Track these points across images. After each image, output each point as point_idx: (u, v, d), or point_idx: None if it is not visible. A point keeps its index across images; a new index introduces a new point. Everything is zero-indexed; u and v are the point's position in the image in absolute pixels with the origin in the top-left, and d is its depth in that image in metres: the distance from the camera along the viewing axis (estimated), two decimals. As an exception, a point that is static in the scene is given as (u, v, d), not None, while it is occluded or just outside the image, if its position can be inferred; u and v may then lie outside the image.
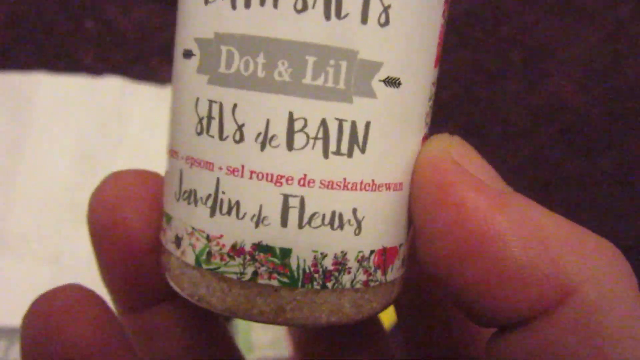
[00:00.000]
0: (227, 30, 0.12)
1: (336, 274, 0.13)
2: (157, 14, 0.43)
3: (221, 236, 0.12)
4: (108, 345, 0.14)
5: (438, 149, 0.13)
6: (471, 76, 0.46)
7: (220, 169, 0.12)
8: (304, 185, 0.12)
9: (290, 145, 0.12)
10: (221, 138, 0.12)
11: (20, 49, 0.43)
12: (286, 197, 0.12)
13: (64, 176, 0.39)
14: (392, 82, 0.12)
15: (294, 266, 0.12)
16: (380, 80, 0.12)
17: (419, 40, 0.13)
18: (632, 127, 0.46)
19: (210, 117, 0.12)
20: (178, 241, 0.13)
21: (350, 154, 0.12)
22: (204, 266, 0.13)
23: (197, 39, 0.13)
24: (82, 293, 0.14)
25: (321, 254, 0.12)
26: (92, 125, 0.40)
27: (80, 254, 0.36)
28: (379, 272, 0.13)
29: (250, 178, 0.12)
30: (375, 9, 0.12)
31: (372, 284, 0.13)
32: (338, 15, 0.12)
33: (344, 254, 0.12)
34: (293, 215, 0.12)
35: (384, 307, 0.14)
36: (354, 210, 0.12)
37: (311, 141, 0.12)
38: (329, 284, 0.12)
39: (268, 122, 0.12)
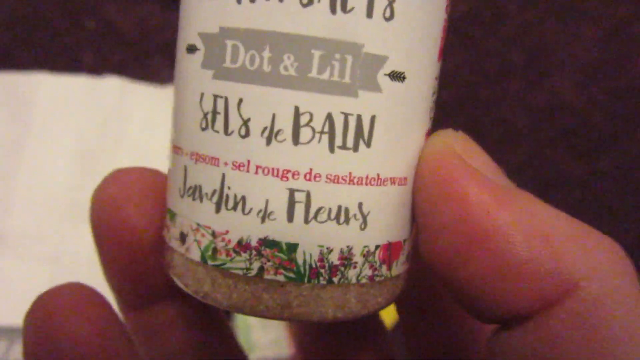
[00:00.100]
0: (232, 25, 0.12)
1: (342, 268, 0.12)
2: (157, 13, 0.43)
3: (227, 232, 0.12)
4: (109, 344, 0.14)
5: (442, 144, 0.13)
6: (471, 76, 0.46)
7: (226, 164, 0.12)
8: (310, 179, 0.12)
9: (296, 140, 0.12)
10: (226, 133, 0.12)
11: (21, 49, 0.43)
12: (292, 192, 0.12)
13: (64, 176, 0.39)
14: (397, 76, 0.12)
15: (300, 261, 0.12)
16: (385, 75, 0.12)
17: (423, 34, 0.13)
18: (632, 127, 0.46)
19: (215, 112, 0.12)
20: (183, 238, 0.13)
21: (355, 148, 0.12)
22: (210, 262, 0.13)
23: (202, 33, 0.13)
24: (83, 291, 0.14)
25: (327, 248, 0.12)
26: (92, 125, 0.40)
27: (81, 254, 0.36)
28: (384, 267, 0.13)
29: (256, 173, 0.12)
30: (380, 3, 0.12)
31: (377, 278, 0.13)
32: (344, 9, 0.12)
33: (349, 248, 0.12)
34: (299, 210, 0.12)
35: (389, 302, 0.14)
36: (360, 205, 0.12)
37: (317, 135, 0.12)
38: (335, 279, 0.12)
39: (274, 116, 0.12)
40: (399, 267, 0.14)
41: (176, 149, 0.14)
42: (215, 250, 0.13)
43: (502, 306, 0.12)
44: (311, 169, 0.12)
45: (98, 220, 0.15)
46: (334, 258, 0.12)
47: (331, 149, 0.12)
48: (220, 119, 0.12)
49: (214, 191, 0.12)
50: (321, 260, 0.12)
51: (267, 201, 0.12)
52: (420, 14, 0.12)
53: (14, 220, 0.37)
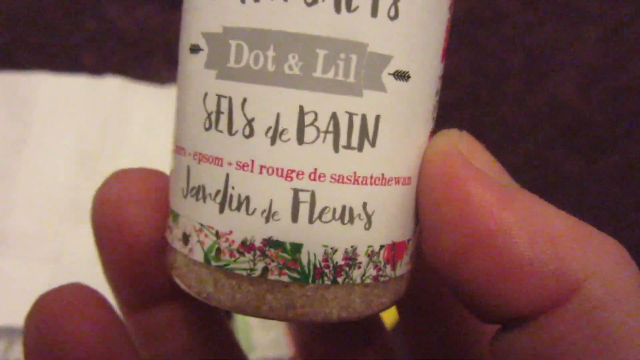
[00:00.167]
0: (236, 24, 0.12)
1: (347, 269, 0.12)
2: (158, 13, 0.43)
3: (231, 232, 0.12)
4: (110, 345, 0.13)
5: (446, 143, 0.13)
6: (471, 77, 0.46)
7: (230, 164, 0.12)
8: (314, 179, 0.12)
9: (300, 139, 0.12)
10: (230, 133, 0.12)
11: (21, 48, 0.43)
12: (296, 192, 0.12)
13: (64, 176, 0.38)
14: (401, 75, 0.12)
15: (304, 261, 0.12)
16: (389, 74, 0.12)
17: (427, 33, 0.13)
18: (632, 128, 0.46)
19: (219, 112, 0.12)
20: (186, 238, 0.13)
21: (360, 147, 0.12)
22: (213, 263, 0.13)
23: (205, 33, 0.13)
24: (84, 292, 0.14)
25: (332, 248, 0.12)
26: (92, 125, 0.40)
27: (81, 254, 0.35)
28: (388, 267, 0.13)
29: (260, 173, 0.12)
30: (385, 2, 0.12)
31: (381, 278, 0.13)
32: (348, 8, 0.11)
33: (354, 248, 0.12)
34: (303, 210, 0.12)
35: (393, 303, 0.14)
36: (364, 205, 0.12)
37: (322, 135, 0.12)
38: (340, 279, 0.12)
39: (278, 116, 0.12)
40: (403, 267, 0.14)
41: (179, 150, 0.14)
42: (218, 250, 0.13)
43: (504, 306, 0.12)
44: (316, 169, 0.12)
45: (99, 221, 0.15)
46: (339, 258, 0.12)
47: (336, 148, 0.12)
48: (224, 118, 0.12)
49: (218, 191, 0.12)
50: (325, 260, 0.12)
51: (271, 201, 0.12)
52: (424, 13, 0.12)
53: (14, 220, 0.37)
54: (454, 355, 0.17)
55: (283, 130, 0.12)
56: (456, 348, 0.17)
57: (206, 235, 0.13)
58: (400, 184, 0.13)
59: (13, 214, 0.37)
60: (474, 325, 0.17)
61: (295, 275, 0.12)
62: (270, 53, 0.12)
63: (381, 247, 0.13)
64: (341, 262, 0.12)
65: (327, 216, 0.12)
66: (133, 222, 0.15)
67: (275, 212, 0.12)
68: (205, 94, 0.13)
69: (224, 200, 0.12)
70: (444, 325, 0.18)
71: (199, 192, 0.13)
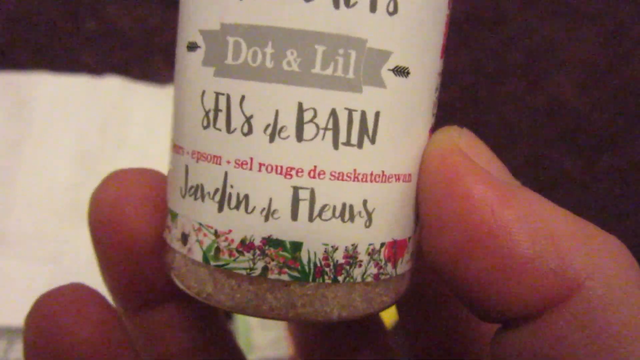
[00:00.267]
0: (234, 21, 0.12)
1: (347, 267, 0.12)
2: (158, 13, 0.43)
3: (230, 231, 0.12)
4: (111, 345, 0.13)
5: (447, 140, 0.13)
6: (471, 77, 0.46)
7: (228, 162, 0.12)
8: (314, 177, 0.12)
9: (300, 136, 0.12)
10: (229, 131, 0.12)
11: (21, 48, 0.43)
12: (296, 190, 0.12)
13: (64, 176, 0.38)
14: (401, 71, 0.12)
15: (304, 260, 0.12)
16: (389, 70, 0.12)
17: (426, 29, 0.12)
18: (633, 127, 0.46)
19: (217, 110, 0.12)
20: (184, 238, 0.13)
21: (360, 144, 0.12)
22: (212, 263, 0.12)
23: (202, 30, 0.12)
24: (85, 292, 0.14)
25: (332, 247, 0.12)
26: (92, 125, 0.40)
27: (80, 254, 0.35)
28: (389, 265, 0.13)
29: (260, 171, 0.12)
30: None
31: (382, 277, 0.13)
32: (347, 3, 0.11)
33: (354, 246, 0.12)
34: (303, 207, 0.12)
35: (394, 301, 0.14)
36: (365, 202, 0.12)
37: (321, 132, 0.12)
38: (340, 278, 0.12)
39: (277, 113, 0.12)
40: (404, 266, 0.13)
41: (177, 148, 0.14)
42: (218, 250, 0.12)
43: (505, 305, 0.11)
44: (315, 166, 0.12)
45: (97, 222, 0.15)
46: (339, 256, 0.12)
47: (335, 145, 0.12)
48: (222, 116, 0.12)
49: (217, 190, 0.12)
50: (326, 258, 0.12)
51: (270, 199, 0.12)
52: (423, 8, 0.12)
53: (14, 220, 0.37)
54: (454, 354, 0.17)
55: (282, 128, 0.12)
56: (456, 347, 0.17)
57: (205, 235, 0.13)
58: (400, 181, 0.13)
59: (13, 214, 0.37)
60: (474, 324, 0.17)
61: (296, 274, 0.12)
62: (269, 49, 0.12)
63: (382, 245, 0.13)
64: (342, 261, 0.12)
65: (327, 214, 0.12)
66: (130, 222, 0.15)
67: (274, 211, 0.12)
68: (203, 92, 0.12)
69: (223, 199, 0.12)
70: (444, 324, 0.17)
71: (197, 191, 0.13)
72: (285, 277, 0.12)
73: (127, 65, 0.43)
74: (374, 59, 0.12)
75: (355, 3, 0.11)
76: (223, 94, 0.12)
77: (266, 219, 0.12)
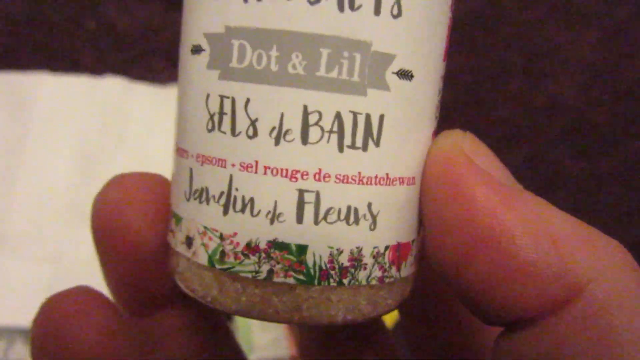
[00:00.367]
0: (239, 24, 0.12)
1: (352, 270, 0.12)
2: (158, 14, 0.43)
3: (235, 234, 0.12)
4: (116, 349, 0.13)
5: (450, 144, 0.13)
6: (472, 77, 0.46)
7: (233, 165, 0.12)
8: (319, 180, 0.12)
9: (305, 139, 0.12)
10: (234, 134, 0.12)
11: (21, 49, 0.43)
12: (301, 193, 0.12)
13: (64, 176, 0.38)
14: (405, 74, 0.12)
15: (310, 263, 0.12)
16: (393, 73, 0.12)
17: (430, 32, 0.12)
18: (633, 127, 0.46)
19: (222, 113, 0.12)
20: (189, 242, 0.13)
21: (365, 147, 0.12)
22: (218, 266, 0.12)
23: (207, 33, 0.12)
24: (91, 295, 0.14)
25: (337, 250, 0.12)
26: (92, 125, 0.40)
27: (81, 254, 0.35)
28: (393, 268, 0.13)
29: (265, 174, 0.12)
30: (387, 1, 0.12)
31: (387, 280, 0.13)
32: (351, 6, 0.11)
33: (359, 249, 0.12)
34: (309, 210, 0.12)
35: (399, 304, 0.14)
36: (369, 205, 0.12)
37: (326, 135, 0.12)
38: (345, 281, 0.12)
39: (282, 116, 0.12)
40: (407, 268, 0.14)
41: (181, 152, 0.13)
42: (223, 253, 0.12)
43: (508, 308, 0.12)
44: (320, 169, 0.12)
45: (100, 227, 0.15)
46: (344, 259, 0.12)
47: (340, 148, 0.12)
48: (227, 119, 0.12)
49: (222, 193, 0.12)
50: (331, 261, 0.12)
51: (276, 202, 0.12)
52: (427, 11, 0.12)
53: (14, 220, 0.37)
54: (457, 356, 0.17)
55: (287, 131, 0.12)
56: (459, 349, 0.17)
57: (210, 238, 0.13)
58: (404, 184, 0.13)
59: (13, 214, 0.37)
60: (477, 326, 0.17)
61: (301, 277, 0.12)
62: (274, 53, 0.12)
63: (386, 248, 0.13)
64: (347, 264, 0.12)
65: (333, 217, 0.12)
66: (133, 226, 0.15)
67: (280, 214, 0.12)
68: (208, 95, 0.12)
69: (228, 202, 0.12)
70: (446, 326, 0.17)
71: (202, 195, 0.13)
72: (290, 280, 0.12)
73: (127, 65, 0.43)
74: (378, 62, 0.12)
75: (360, 6, 0.11)
76: (228, 97, 0.12)
77: (271, 222, 0.12)
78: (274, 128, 0.12)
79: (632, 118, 0.46)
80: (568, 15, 0.46)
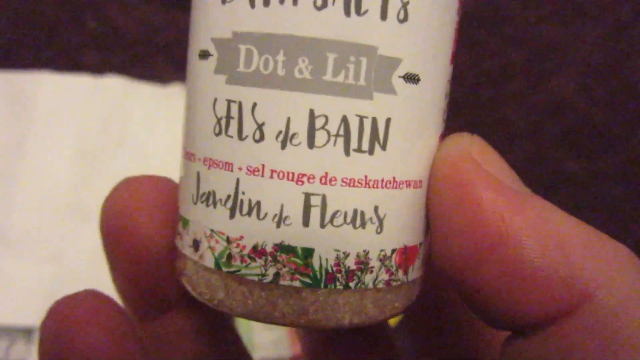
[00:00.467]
0: (246, 29, 0.12)
1: (359, 273, 0.12)
2: (159, 13, 0.43)
3: (241, 237, 0.12)
4: (125, 353, 0.13)
5: (458, 147, 0.13)
6: (473, 76, 0.46)
7: (240, 169, 0.12)
8: (325, 183, 0.12)
9: (311, 143, 0.12)
10: (240, 138, 0.12)
11: (22, 48, 0.43)
12: (308, 196, 0.12)
13: (65, 175, 0.38)
14: (411, 78, 0.12)
15: (316, 266, 0.12)
16: (399, 77, 0.12)
17: (436, 36, 0.12)
18: (634, 127, 0.46)
19: (229, 117, 0.12)
20: (196, 245, 0.13)
21: (371, 151, 0.12)
22: (224, 269, 0.13)
23: (214, 39, 0.12)
24: (99, 300, 0.14)
25: (344, 253, 0.12)
26: (93, 125, 0.40)
27: (82, 253, 0.35)
28: (400, 272, 0.13)
29: (271, 177, 0.12)
30: (394, 5, 0.12)
31: (394, 283, 0.13)
32: (358, 11, 0.11)
33: (366, 252, 0.12)
34: (315, 214, 0.12)
35: (406, 308, 0.14)
36: (376, 208, 0.12)
37: (332, 138, 0.12)
38: (352, 284, 0.12)
39: (289, 120, 0.12)
40: (415, 272, 0.14)
41: (188, 155, 0.14)
42: (229, 256, 0.12)
43: (514, 313, 0.11)
44: (327, 173, 0.12)
45: (108, 230, 0.15)
46: (351, 262, 0.12)
47: (346, 152, 0.12)
48: (234, 123, 0.12)
49: (228, 197, 0.12)
50: (337, 265, 0.12)
51: (282, 206, 0.12)
52: (433, 15, 0.12)
53: (15, 219, 0.37)
54: (462, 359, 0.17)
55: (294, 134, 0.12)
56: (465, 353, 0.17)
57: (217, 241, 0.13)
58: (411, 187, 0.13)
59: (13, 213, 0.37)
60: (484, 330, 0.17)
61: (307, 280, 0.12)
62: (280, 57, 0.12)
63: (393, 251, 0.13)
64: (353, 267, 0.12)
65: (339, 220, 0.12)
66: (142, 229, 0.15)
67: (286, 217, 0.12)
68: (215, 100, 0.12)
69: (235, 206, 0.12)
70: (452, 329, 0.17)
71: (209, 198, 0.13)
72: (297, 284, 0.12)
73: (128, 65, 0.43)
74: (384, 66, 0.12)
75: (366, 11, 0.11)
76: (235, 102, 0.12)
77: (278, 225, 0.12)
78: (280, 132, 0.12)
79: (633, 118, 0.46)
80: (569, 14, 0.46)
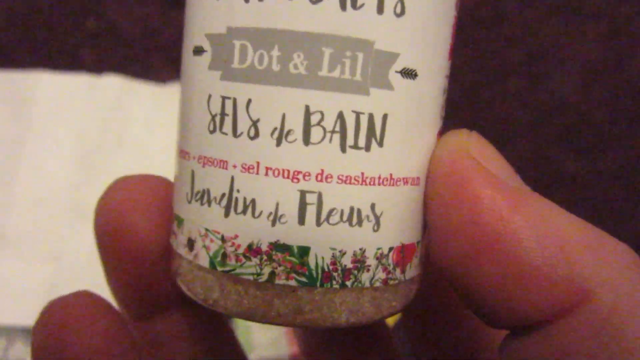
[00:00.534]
0: (240, 24, 0.12)
1: (355, 272, 0.12)
2: (158, 12, 0.43)
3: (236, 236, 0.12)
4: (118, 354, 0.13)
5: (456, 144, 0.13)
6: (472, 75, 0.46)
7: (235, 166, 0.12)
8: (321, 180, 0.12)
9: (306, 140, 0.12)
10: (235, 135, 0.12)
11: (21, 47, 0.43)
12: (303, 194, 0.12)
13: (64, 174, 0.38)
14: (408, 73, 0.12)
15: (312, 265, 0.12)
16: (396, 72, 0.12)
17: (434, 31, 0.12)
18: (634, 126, 0.46)
19: (223, 114, 0.12)
20: (191, 244, 0.13)
21: (367, 147, 0.12)
22: (219, 268, 0.12)
23: (209, 34, 0.12)
24: (93, 301, 0.14)
25: (340, 251, 0.12)
26: (92, 124, 0.40)
27: (81, 253, 0.35)
28: (397, 270, 0.13)
29: (266, 175, 0.12)
30: None
31: (391, 282, 0.13)
32: (354, 5, 0.11)
33: (362, 251, 0.12)
34: (311, 212, 0.12)
35: (404, 307, 0.14)
36: (372, 206, 0.12)
37: (328, 135, 0.12)
38: (348, 283, 0.12)
39: (284, 116, 0.11)
40: (412, 270, 0.13)
41: (183, 153, 0.13)
42: (224, 255, 0.12)
43: (513, 313, 0.11)
44: (322, 170, 0.12)
45: (103, 229, 0.15)
46: (347, 261, 0.12)
47: (343, 148, 0.12)
48: (228, 120, 0.12)
49: (223, 195, 0.12)
50: (334, 263, 0.12)
51: (277, 204, 0.12)
52: (431, 10, 0.12)
53: (14, 219, 0.37)
54: (460, 357, 0.17)
55: (289, 131, 0.12)
56: (464, 352, 0.17)
57: (211, 240, 0.12)
58: (408, 184, 0.13)
59: (13, 213, 0.37)
60: (482, 329, 0.17)
61: (303, 279, 0.12)
62: (275, 52, 0.11)
63: (390, 249, 0.13)
64: (350, 265, 0.12)
65: (335, 218, 0.12)
66: (136, 229, 0.15)
67: (281, 215, 0.12)
68: (210, 96, 0.12)
69: (229, 204, 0.12)
70: (451, 328, 0.17)
71: (203, 196, 0.13)
72: (292, 283, 0.12)
73: (127, 64, 0.43)
74: (381, 61, 0.12)
75: (363, 5, 0.11)
76: (229, 98, 0.12)
77: (273, 223, 0.12)
78: (275, 129, 0.12)
79: (632, 116, 0.46)
80: (569, 13, 0.45)
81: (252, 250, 0.12)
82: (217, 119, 0.12)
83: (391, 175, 0.12)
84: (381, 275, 0.12)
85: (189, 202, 0.13)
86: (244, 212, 0.12)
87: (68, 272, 0.35)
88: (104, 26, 0.43)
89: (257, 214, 0.12)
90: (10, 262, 0.35)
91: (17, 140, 0.39)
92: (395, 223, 0.13)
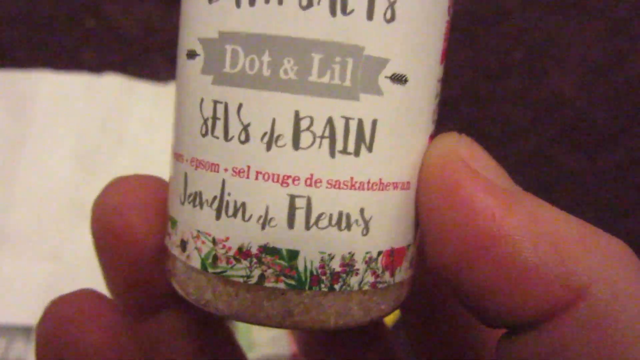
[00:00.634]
0: (232, 29, 0.12)
1: (344, 275, 0.12)
2: (158, 12, 0.43)
3: (227, 239, 0.12)
4: (123, 352, 0.13)
5: (446, 147, 0.13)
6: (472, 74, 0.46)
7: (226, 170, 0.12)
8: (310, 185, 0.12)
9: (296, 145, 0.12)
10: (226, 139, 0.12)
11: (21, 46, 0.43)
12: (293, 198, 0.12)
13: (64, 174, 0.38)
14: (398, 78, 0.12)
15: (301, 268, 0.12)
16: (386, 77, 0.12)
17: (425, 36, 0.12)
18: (634, 124, 0.46)
19: (215, 118, 0.12)
20: (183, 245, 0.13)
21: (357, 152, 0.12)
22: (210, 270, 0.13)
23: (201, 39, 0.12)
24: (96, 299, 0.14)
25: (329, 255, 0.12)
26: (92, 124, 0.40)
27: (81, 252, 0.35)
28: (386, 274, 0.13)
29: (256, 179, 0.12)
30: (381, 5, 0.12)
31: (380, 285, 0.13)
32: (344, 11, 0.11)
33: (351, 255, 0.12)
34: (300, 216, 0.12)
35: (393, 309, 0.14)
36: (361, 210, 0.12)
37: (317, 140, 0.12)
38: (337, 286, 0.12)
39: (274, 121, 0.12)
40: (402, 274, 0.13)
41: (177, 156, 0.14)
42: (215, 257, 0.12)
43: (509, 312, 0.11)
44: (312, 174, 0.12)
45: (99, 229, 0.15)
46: (336, 265, 0.12)
47: (332, 153, 0.12)
48: (220, 124, 0.12)
49: (214, 198, 0.12)
50: (322, 267, 0.12)
51: (267, 207, 0.12)
52: (422, 15, 0.12)
53: (14, 218, 0.37)
54: (458, 356, 0.17)
55: (279, 136, 0.12)
56: (460, 351, 0.17)
57: (203, 242, 0.13)
58: (398, 189, 0.13)
59: (13, 212, 0.37)
60: (479, 328, 0.17)
61: (292, 282, 0.12)
62: (266, 58, 0.12)
63: (379, 253, 0.13)
64: (338, 269, 0.12)
65: (324, 222, 0.12)
66: (133, 229, 0.15)
67: (271, 219, 0.12)
68: (202, 100, 0.12)
69: (221, 207, 0.12)
70: (447, 328, 0.17)
71: (196, 199, 0.13)
72: (281, 285, 0.12)
73: (126, 63, 0.43)
74: (371, 66, 0.12)
75: (352, 11, 0.11)
76: (221, 102, 0.12)
77: (263, 227, 0.12)
78: (265, 133, 0.12)
79: (632, 115, 0.46)
80: (569, 11, 0.45)
81: (242, 252, 0.12)
82: (209, 122, 0.12)
83: (381, 180, 0.12)
84: (370, 279, 0.13)
85: (182, 203, 0.13)
86: (235, 215, 0.12)
87: (68, 271, 0.35)
88: (104, 25, 0.43)
89: (247, 217, 0.12)
90: (10, 260, 0.36)
91: (17, 139, 0.39)
92: (385, 227, 0.13)
